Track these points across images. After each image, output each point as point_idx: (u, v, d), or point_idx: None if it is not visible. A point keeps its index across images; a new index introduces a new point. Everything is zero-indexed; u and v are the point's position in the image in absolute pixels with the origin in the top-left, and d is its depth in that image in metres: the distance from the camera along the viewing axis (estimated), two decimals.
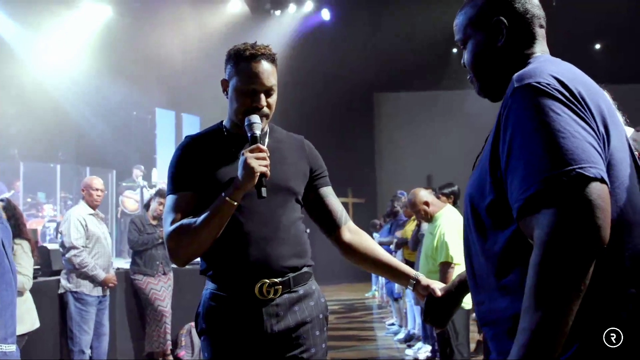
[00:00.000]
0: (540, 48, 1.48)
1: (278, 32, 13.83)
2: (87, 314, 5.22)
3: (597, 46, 15.37)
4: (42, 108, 9.79)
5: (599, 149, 1.20)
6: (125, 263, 6.97)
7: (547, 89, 1.23)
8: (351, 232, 2.26)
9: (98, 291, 5.32)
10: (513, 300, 1.20)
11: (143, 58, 11.27)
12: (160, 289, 6.22)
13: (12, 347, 1.61)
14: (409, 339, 7.59)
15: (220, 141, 2.19)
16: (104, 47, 10.77)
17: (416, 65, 14.88)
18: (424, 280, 2.08)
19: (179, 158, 2.18)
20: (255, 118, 2.05)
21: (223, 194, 1.96)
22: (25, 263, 4.39)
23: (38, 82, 9.93)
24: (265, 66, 2.12)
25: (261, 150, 1.95)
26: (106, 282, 5.34)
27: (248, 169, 1.91)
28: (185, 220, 2.01)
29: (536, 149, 1.18)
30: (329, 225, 2.25)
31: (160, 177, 11.75)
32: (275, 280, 2.05)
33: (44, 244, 6.37)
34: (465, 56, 1.56)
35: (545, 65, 1.33)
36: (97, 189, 5.43)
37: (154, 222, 6.34)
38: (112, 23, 11.20)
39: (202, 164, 2.11)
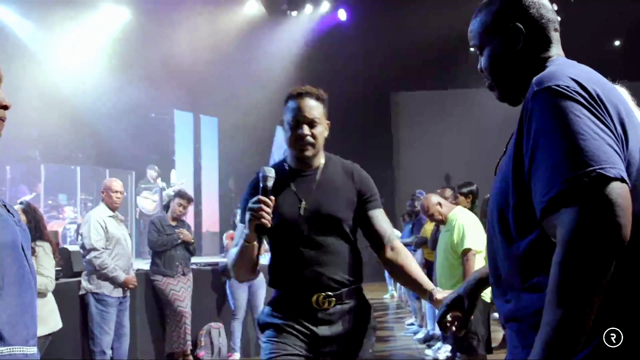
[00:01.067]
0: (556, 51, 1.50)
1: (294, 32, 13.86)
2: (108, 314, 5.27)
3: (617, 43, 15.22)
4: (62, 110, 9.89)
5: (618, 150, 1.22)
6: (145, 264, 7.01)
7: (566, 92, 1.25)
8: (392, 251, 2.52)
9: (118, 292, 5.36)
10: (539, 298, 1.23)
11: (160, 60, 11.34)
12: (180, 289, 6.25)
13: (34, 350, 1.63)
14: (429, 339, 7.57)
15: (280, 176, 2.46)
16: (122, 49, 10.86)
17: (432, 64, 14.82)
18: (439, 295, 2.33)
19: (246, 193, 2.53)
20: (270, 172, 2.35)
21: (241, 240, 2.35)
22: (47, 264, 4.44)
23: (57, 85, 10.03)
24: (308, 102, 2.48)
25: (263, 202, 2.26)
26: (126, 284, 5.38)
27: (247, 225, 2.30)
28: (232, 251, 2.45)
29: (557, 152, 1.21)
30: (376, 243, 2.55)
31: (179, 178, 11.81)
32: (330, 293, 2.39)
33: (65, 246, 6.43)
34: (482, 62, 1.57)
35: (564, 68, 1.35)
36: (116, 191, 5.47)
37: (174, 223, 6.38)
38: (130, 25, 11.29)
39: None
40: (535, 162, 1.25)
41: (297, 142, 2.47)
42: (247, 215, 2.27)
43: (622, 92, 2.23)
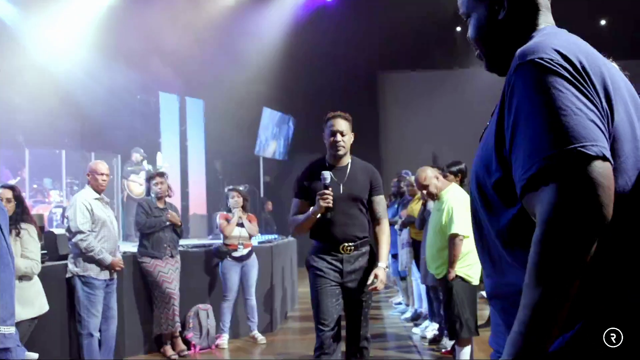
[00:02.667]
0: (545, 19, 1.46)
1: (281, 13, 13.76)
2: (95, 297, 5.26)
3: (602, 22, 15.23)
4: (46, 94, 9.77)
5: (602, 126, 1.19)
6: (132, 247, 6.99)
7: (549, 65, 1.21)
8: (379, 225, 4.08)
9: (105, 275, 5.35)
10: (520, 274, 1.20)
11: (145, 42, 11.21)
12: (168, 271, 6.25)
13: (12, 329, 1.62)
14: (416, 318, 7.63)
15: (322, 169, 3.94)
16: (107, 31, 10.72)
17: (420, 45, 14.77)
18: (378, 271, 3.89)
19: (301, 177, 4.10)
20: (327, 174, 3.84)
21: (310, 211, 3.89)
22: (32, 247, 4.42)
23: (42, 68, 9.91)
24: (339, 120, 4.02)
25: (326, 194, 3.80)
26: (113, 266, 5.36)
27: (318, 205, 3.82)
28: (296, 216, 4.04)
29: (538, 128, 1.18)
30: (372, 217, 4.10)
31: (166, 160, 11.75)
32: (351, 244, 3.93)
33: (51, 229, 6.39)
34: (469, 30, 1.55)
35: (549, 38, 1.30)
36: (102, 174, 5.43)
37: (161, 205, 6.37)
38: (115, 7, 11.14)
39: (310, 183, 4.01)
40: (516, 139, 1.22)
41: (333, 145, 3.98)
42: (317, 202, 3.79)
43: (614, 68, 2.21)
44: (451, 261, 4.87)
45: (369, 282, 3.85)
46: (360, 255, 3.94)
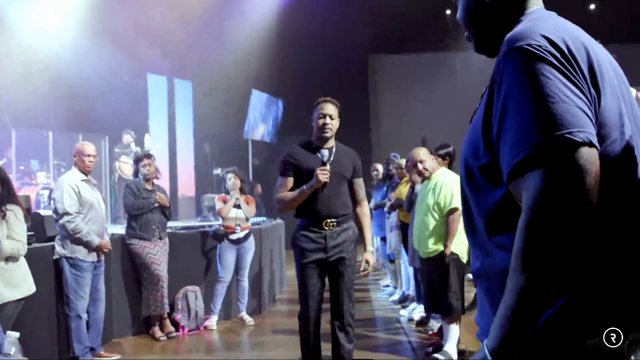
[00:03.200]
0: (534, 1, 1.45)
1: None
2: (83, 279, 5.25)
3: (591, 7, 15.24)
4: (33, 75, 9.66)
5: (589, 112, 1.20)
6: (121, 229, 6.97)
7: (537, 52, 1.21)
8: (359, 207, 4.43)
9: (93, 257, 5.33)
10: (507, 255, 1.21)
11: (133, 23, 11.11)
12: (157, 253, 6.25)
13: None
14: (404, 300, 7.67)
15: (308, 150, 4.27)
16: (95, 12, 10.57)
17: (411, 27, 14.74)
18: (367, 255, 4.30)
19: (287, 156, 4.29)
20: (325, 152, 4.17)
21: (305, 187, 4.12)
22: (18, 229, 4.39)
23: (29, 49, 9.78)
24: (329, 104, 4.27)
25: (325, 169, 4.09)
26: (100, 248, 5.35)
27: (317, 179, 4.08)
28: (284, 193, 4.24)
29: (526, 115, 1.19)
30: (353, 199, 4.40)
31: (154, 143, 11.69)
32: (333, 220, 4.18)
33: (38, 211, 6.35)
34: (458, 12, 1.54)
35: (538, 24, 1.30)
36: (89, 155, 5.40)
37: (149, 187, 6.35)
38: None
39: (299, 162, 4.24)
40: (504, 125, 1.23)
41: (322, 127, 4.21)
42: (317, 176, 4.05)
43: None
44: (449, 236, 4.98)
45: (361, 268, 4.27)
46: (342, 231, 4.20)
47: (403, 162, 7.06)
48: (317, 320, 4.27)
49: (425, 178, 5.34)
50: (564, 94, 1.18)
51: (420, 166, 5.32)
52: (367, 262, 4.25)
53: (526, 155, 1.16)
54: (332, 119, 4.22)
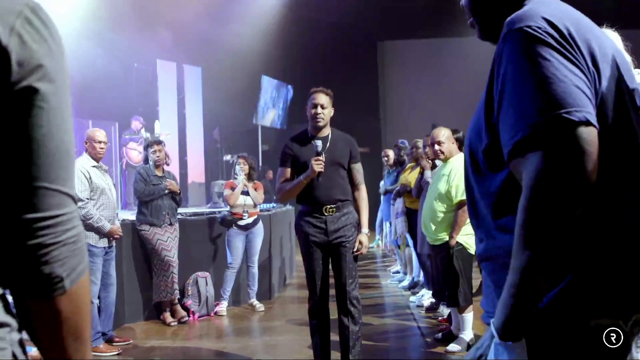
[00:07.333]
0: None
1: None
2: (94, 264, 5.28)
3: None
4: None
5: (588, 91, 1.20)
6: (132, 215, 7.01)
7: (536, 33, 1.22)
8: (357, 191, 4.46)
9: (104, 242, 5.37)
10: (510, 238, 1.23)
11: (144, 9, 11.09)
12: (167, 239, 6.28)
13: None
14: (413, 286, 7.69)
15: (305, 140, 4.37)
16: None
17: (420, 13, 14.64)
18: (362, 237, 4.34)
19: (285, 147, 4.41)
20: (318, 142, 4.24)
21: (301, 177, 4.24)
22: None
23: None
24: (320, 94, 4.35)
25: (319, 159, 4.19)
26: (112, 234, 5.38)
27: (312, 169, 4.19)
28: (284, 183, 4.36)
29: (525, 95, 1.20)
30: (351, 184, 4.43)
31: (163, 129, 11.71)
32: (333, 205, 4.29)
33: None
34: None
35: (538, 7, 1.31)
36: (100, 141, 5.41)
37: (159, 174, 6.38)
38: None
39: (295, 152, 4.35)
40: (503, 106, 1.25)
41: (314, 117, 4.32)
42: (312, 166, 4.16)
43: (613, 37, 2.19)
44: (456, 227, 4.94)
45: (355, 248, 4.32)
46: (342, 215, 4.31)
47: (420, 142, 6.94)
48: (325, 302, 4.38)
49: (438, 160, 5.26)
50: (562, 74, 1.19)
51: (437, 147, 5.21)
52: (360, 242, 4.32)
53: (524, 135, 1.18)
54: (323, 108, 4.32)
